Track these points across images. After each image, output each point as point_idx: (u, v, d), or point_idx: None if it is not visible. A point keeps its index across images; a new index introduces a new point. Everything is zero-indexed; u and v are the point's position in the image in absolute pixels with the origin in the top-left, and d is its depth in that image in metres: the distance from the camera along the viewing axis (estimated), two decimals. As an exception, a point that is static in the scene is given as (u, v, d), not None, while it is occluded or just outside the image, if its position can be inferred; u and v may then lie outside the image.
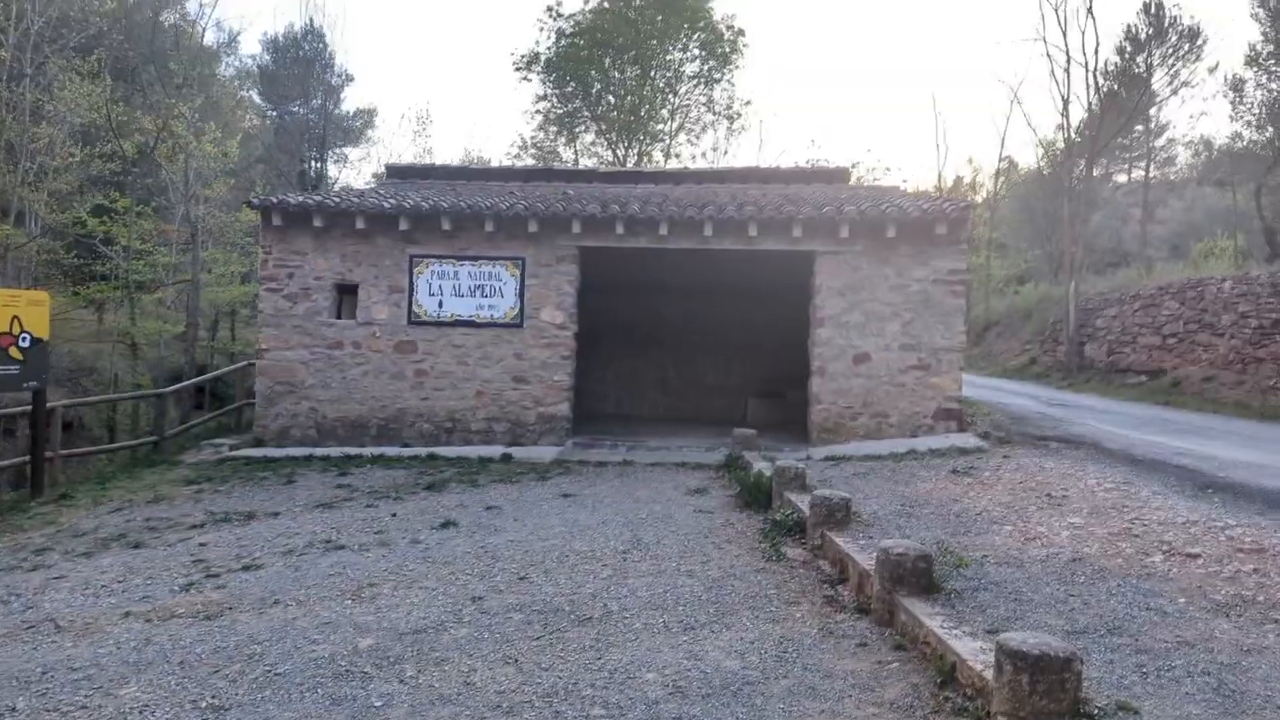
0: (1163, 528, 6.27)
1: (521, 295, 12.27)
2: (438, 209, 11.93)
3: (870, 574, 5.14)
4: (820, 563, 6.29)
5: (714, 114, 28.57)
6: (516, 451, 11.69)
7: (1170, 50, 25.08)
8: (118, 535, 7.97)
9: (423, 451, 11.70)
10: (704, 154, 29.23)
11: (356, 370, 12.35)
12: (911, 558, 4.83)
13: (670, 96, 28.07)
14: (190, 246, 21.15)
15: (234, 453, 11.95)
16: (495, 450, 11.72)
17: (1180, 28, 24.21)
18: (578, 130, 28.65)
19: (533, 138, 29.67)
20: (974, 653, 3.86)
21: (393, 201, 12.11)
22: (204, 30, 26.71)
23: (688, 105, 28.54)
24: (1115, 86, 25.22)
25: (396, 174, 16.26)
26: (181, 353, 22.33)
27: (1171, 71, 25.48)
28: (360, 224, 12.08)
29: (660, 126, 27.96)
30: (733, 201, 12.29)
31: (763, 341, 15.90)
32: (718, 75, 27.92)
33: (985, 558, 5.76)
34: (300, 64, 34.43)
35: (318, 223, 12.09)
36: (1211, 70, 25.38)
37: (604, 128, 27.64)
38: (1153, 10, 24.30)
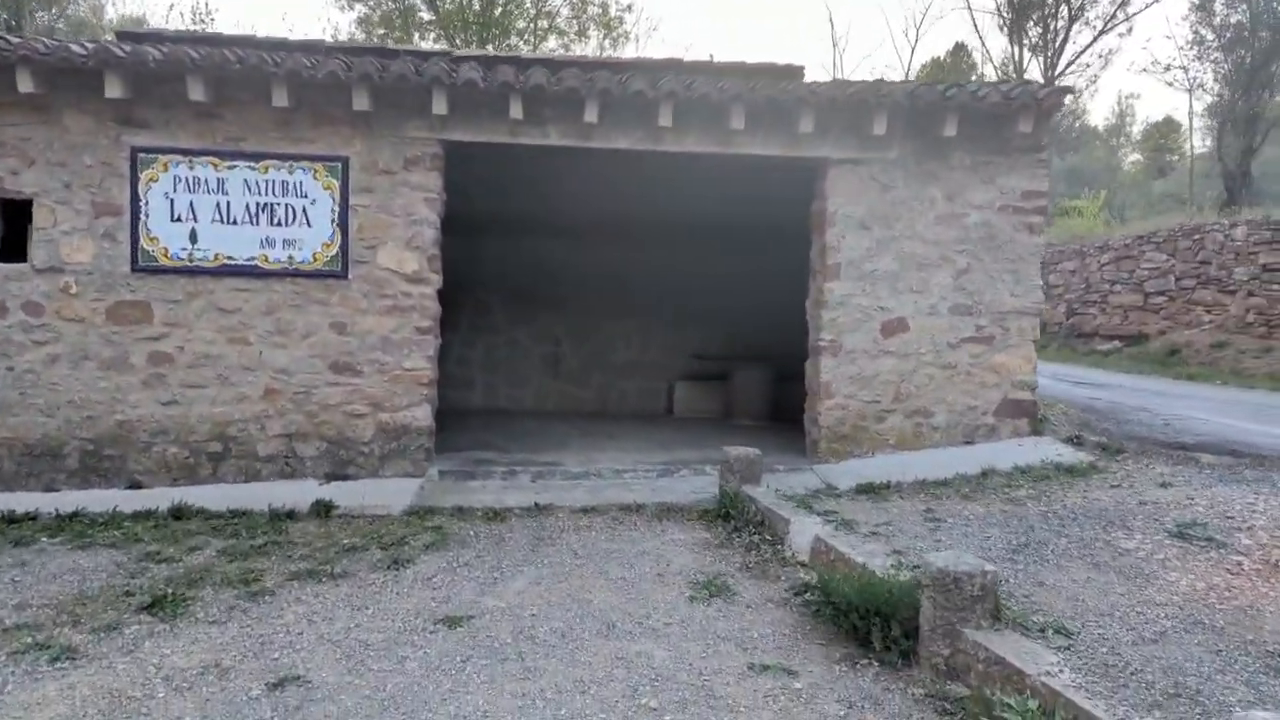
0: None
1: (344, 223, 7.16)
2: (180, 61, 6.53)
3: None
4: None
5: (584, 20, 23.43)
6: (340, 493, 6.74)
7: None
8: None
9: (165, 500, 6.47)
10: (578, 68, 23.97)
11: (35, 355, 6.85)
12: None
13: (532, -1, 22.60)
14: None
15: None
16: (303, 492, 6.70)
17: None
18: (412, 32, 22.61)
19: (351, 38, 23.24)
20: None
21: (92, 45, 6.60)
22: None
23: (554, 9, 23.23)
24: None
25: (131, 42, 10.24)
26: None
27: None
28: (28, 84, 6.48)
29: (521, 27, 22.42)
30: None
31: (695, 301, 11.45)
32: (588, -31, 22.84)
33: None
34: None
35: (-68, 77, 6.38)
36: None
37: (448, 30, 21.83)
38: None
